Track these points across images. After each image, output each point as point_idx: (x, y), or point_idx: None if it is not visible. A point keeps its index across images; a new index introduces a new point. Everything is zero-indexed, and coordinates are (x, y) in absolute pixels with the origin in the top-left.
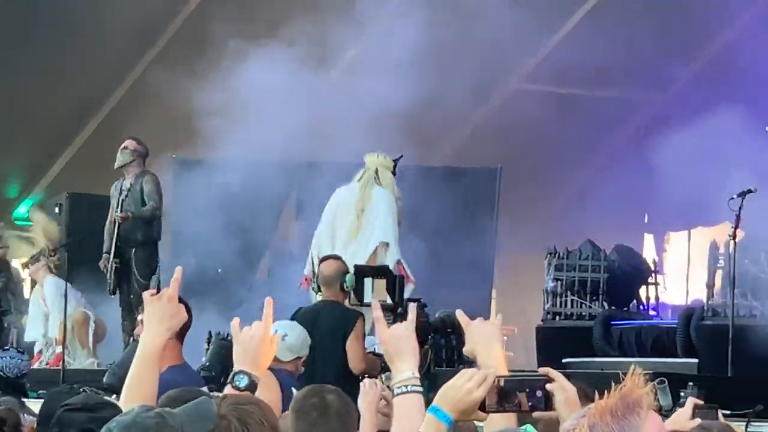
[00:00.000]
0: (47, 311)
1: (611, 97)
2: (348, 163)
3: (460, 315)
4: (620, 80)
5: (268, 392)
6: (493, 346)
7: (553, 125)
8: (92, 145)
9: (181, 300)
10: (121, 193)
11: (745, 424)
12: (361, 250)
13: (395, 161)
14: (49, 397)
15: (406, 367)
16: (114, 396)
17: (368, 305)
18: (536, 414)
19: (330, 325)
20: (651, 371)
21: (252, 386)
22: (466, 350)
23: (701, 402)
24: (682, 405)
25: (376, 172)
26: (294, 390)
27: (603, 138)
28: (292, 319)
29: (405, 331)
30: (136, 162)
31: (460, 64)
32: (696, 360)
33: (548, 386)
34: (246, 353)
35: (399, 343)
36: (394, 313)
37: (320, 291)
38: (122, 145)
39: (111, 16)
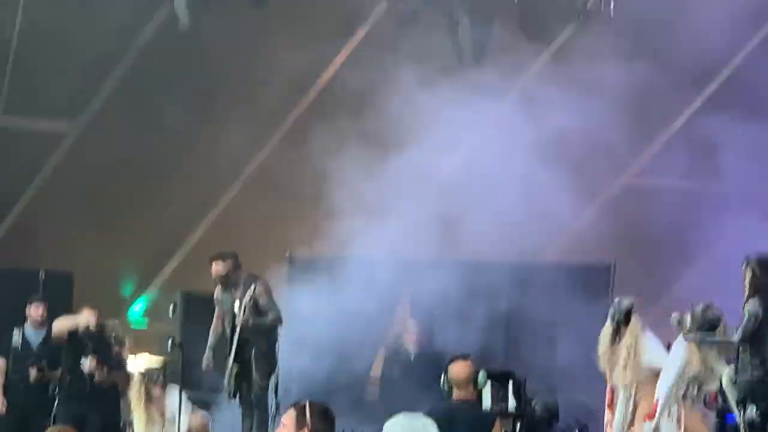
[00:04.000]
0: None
1: (720, 190)
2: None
3: None
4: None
5: None
6: None
7: (663, 219)
8: (206, 243)
9: (321, 407)
10: (235, 301)
11: None
12: None
13: None
14: None
15: None
16: None
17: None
18: None
19: (468, 426)
20: None
21: None
22: None
23: None
24: None
25: None
26: None
27: (716, 230)
28: None
29: None
30: (234, 276)
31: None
32: None
33: None
34: None
35: None
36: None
37: (450, 389)
38: (213, 273)
39: (230, 110)
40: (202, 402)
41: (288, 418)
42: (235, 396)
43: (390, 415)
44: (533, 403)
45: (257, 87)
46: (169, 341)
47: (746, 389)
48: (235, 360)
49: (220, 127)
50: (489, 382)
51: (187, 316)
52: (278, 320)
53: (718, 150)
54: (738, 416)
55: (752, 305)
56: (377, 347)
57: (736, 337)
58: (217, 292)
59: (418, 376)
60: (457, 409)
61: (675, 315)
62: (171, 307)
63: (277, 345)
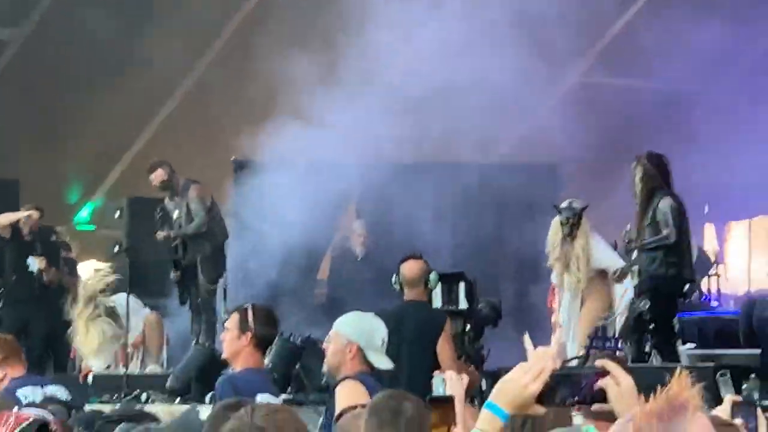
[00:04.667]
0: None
1: (667, 88)
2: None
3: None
4: (679, 70)
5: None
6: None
7: (611, 118)
8: (151, 149)
9: (264, 310)
10: (179, 215)
11: None
12: None
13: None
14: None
15: None
16: (178, 399)
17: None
18: (595, 407)
19: (418, 326)
20: (713, 363)
21: None
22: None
23: (740, 399)
24: (748, 398)
25: None
26: None
27: (663, 129)
28: None
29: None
30: (173, 181)
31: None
32: (758, 351)
33: (601, 381)
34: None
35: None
36: (465, 318)
37: (402, 290)
38: (152, 181)
39: (168, 19)
40: (150, 307)
41: (231, 322)
42: (184, 302)
43: (338, 317)
44: (479, 304)
45: None
46: (116, 246)
47: (653, 285)
48: (179, 265)
49: (163, 34)
50: (440, 283)
51: (133, 221)
52: (201, 227)
53: (665, 49)
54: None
55: (668, 201)
56: (324, 250)
57: (671, 237)
58: (166, 201)
59: (365, 278)
60: (407, 309)
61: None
62: (117, 212)
63: (224, 250)
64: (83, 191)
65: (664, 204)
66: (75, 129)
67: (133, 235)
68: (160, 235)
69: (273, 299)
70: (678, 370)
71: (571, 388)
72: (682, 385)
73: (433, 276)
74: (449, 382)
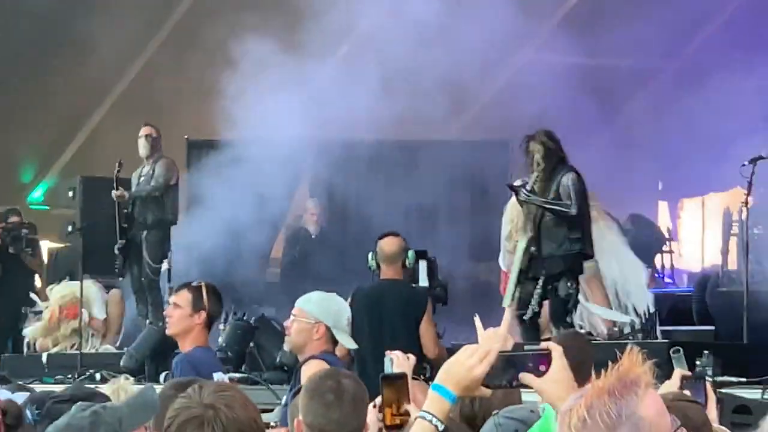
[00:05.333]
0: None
1: (623, 65)
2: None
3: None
4: (632, 48)
5: None
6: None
7: (564, 95)
8: (105, 129)
9: (214, 289)
10: (140, 179)
11: (761, 391)
12: None
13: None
14: (166, 390)
15: None
16: (132, 379)
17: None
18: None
19: (400, 306)
20: (666, 340)
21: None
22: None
23: (689, 373)
24: (702, 375)
25: None
26: None
27: (616, 107)
28: (353, 299)
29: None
30: (153, 145)
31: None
32: (712, 327)
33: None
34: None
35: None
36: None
37: (378, 268)
38: (141, 133)
39: None
40: (105, 287)
41: (182, 299)
42: (123, 275)
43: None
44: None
45: None
46: (69, 226)
47: (560, 264)
48: (123, 236)
49: (115, 12)
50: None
51: (86, 200)
52: (157, 189)
53: (618, 25)
54: (541, 290)
55: (571, 176)
56: (277, 228)
57: (573, 209)
58: (133, 175)
59: (318, 257)
60: (387, 287)
61: None
62: (71, 192)
63: (169, 231)
64: (36, 171)
65: (567, 178)
66: (27, 109)
67: (87, 215)
68: (115, 193)
69: (226, 278)
70: (629, 347)
71: (516, 369)
72: (633, 361)
73: (411, 254)
74: (395, 361)
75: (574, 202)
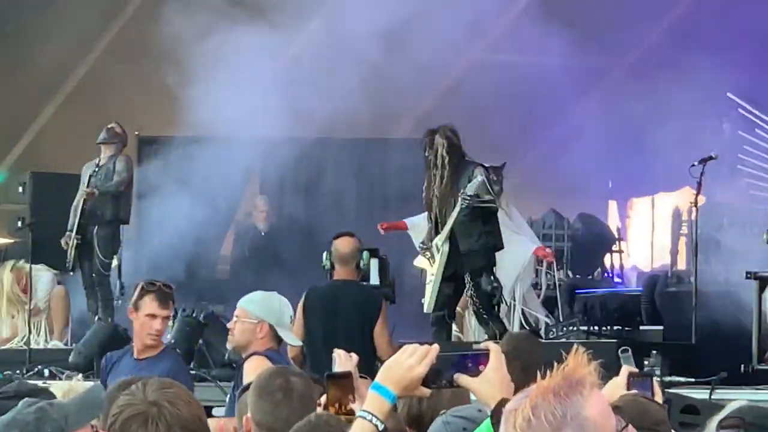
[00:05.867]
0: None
1: (573, 65)
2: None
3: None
4: (582, 47)
5: None
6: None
7: (513, 95)
8: (55, 124)
9: (168, 287)
10: (94, 173)
11: (709, 391)
12: None
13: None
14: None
15: None
16: (80, 375)
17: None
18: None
19: (354, 306)
20: (615, 339)
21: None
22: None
23: (636, 370)
24: (650, 373)
25: None
26: None
27: (566, 106)
28: (306, 298)
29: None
30: (115, 145)
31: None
32: (661, 327)
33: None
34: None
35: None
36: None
37: (332, 268)
38: (109, 125)
39: None
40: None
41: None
42: (74, 270)
43: (240, 292)
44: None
45: None
46: (19, 221)
47: (480, 258)
48: (78, 232)
49: (65, 8)
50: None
51: (36, 196)
52: (122, 184)
53: (571, 25)
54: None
55: (481, 170)
56: (227, 225)
57: (496, 204)
58: (84, 168)
59: (267, 254)
60: (342, 288)
61: None
62: (20, 187)
63: (119, 229)
64: None
65: (479, 172)
66: None
67: (37, 211)
68: (86, 191)
69: (175, 274)
70: (575, 347)
71: (456, 369)
72: (578, 362)
73: (366, 255)
74: (338, 359)
75: (495, 196)
